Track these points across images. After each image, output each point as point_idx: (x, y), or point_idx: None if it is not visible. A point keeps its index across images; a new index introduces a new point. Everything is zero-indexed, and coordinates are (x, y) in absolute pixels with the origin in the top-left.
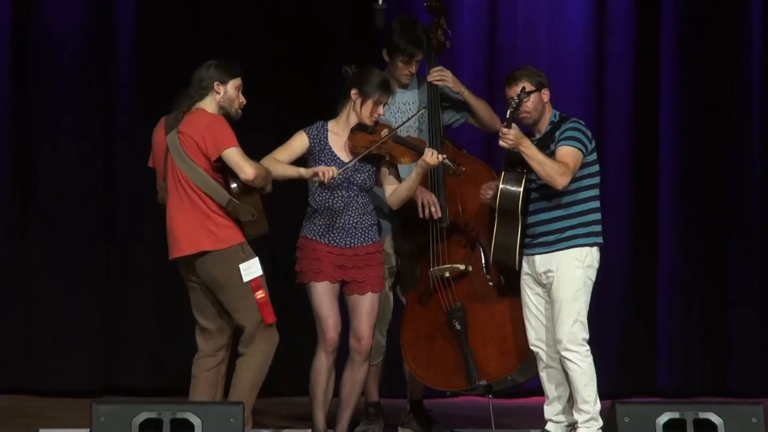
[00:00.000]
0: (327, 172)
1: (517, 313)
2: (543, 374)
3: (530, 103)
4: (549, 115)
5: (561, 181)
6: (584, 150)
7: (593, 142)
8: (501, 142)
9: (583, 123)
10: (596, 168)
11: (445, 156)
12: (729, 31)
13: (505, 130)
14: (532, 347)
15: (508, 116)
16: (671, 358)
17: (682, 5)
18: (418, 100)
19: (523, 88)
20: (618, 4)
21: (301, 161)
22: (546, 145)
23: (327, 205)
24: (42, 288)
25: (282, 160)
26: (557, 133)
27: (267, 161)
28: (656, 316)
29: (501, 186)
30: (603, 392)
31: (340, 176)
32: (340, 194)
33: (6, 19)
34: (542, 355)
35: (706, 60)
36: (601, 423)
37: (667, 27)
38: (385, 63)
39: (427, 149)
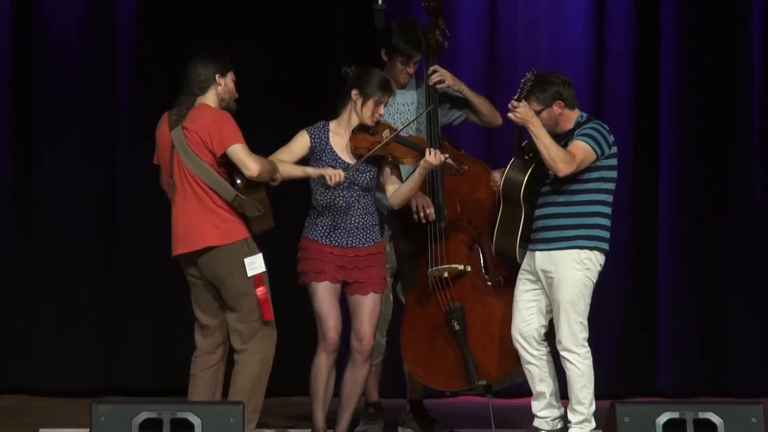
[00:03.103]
0: (334, 176)
1: None
2: (526, 370)
3: (541, 120)
4: (574, 117)
5: (563, 168)
6: (598, 150)
7: (613, 148)
8: (509, 115)
9: (606, 128)
10: (611, 174)
11: (447, 155)
12: (729, 31)
13: (515, 103)
14: (514, 343)
15: (519, 91)
16: (671, 358)
17: (682, 5)
18: (417, 100)
19: (532, 70)
20: (618, 4)
21: (303, 162)
22: (565, 142)
23: (329, 205)
24: (42, 288)
25: (285, 161)
26: (577, 131)
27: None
28: (656, 316)
29: (506, 172)
30: (603, 392)
31: (346, 179)
32: (342, 194)
33: (6, 19)
34: (522, 352)
35: (706, 60)
36: (593, 425)
37: (667, 27)
38: (383, 63)
39: (428, 149)
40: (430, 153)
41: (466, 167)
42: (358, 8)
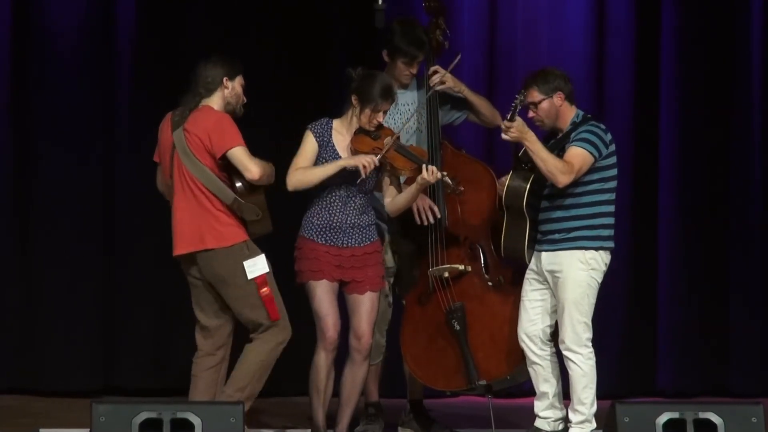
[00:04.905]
0: (369, 165)
1: (516, 313)
2: (531, 370)
3: (541, 111)
4: (571, 115)
5: (562, 179)
6: (596, 154)
7: (611, 147)
8: (503, 135)
9: (602, 127)
10: (611, 173)
11: (445, 174)
12: (729, 31)
13: (507, 123)
14: (520, 342)
15: (511, 111)
16: (671, 358)
17: (682, 5)
18: (418, 100)
19: (521, 91)
20: (618, 4)
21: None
22: (562, 145)
23: (326, 204)
24: (42, 288)
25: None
26: (573, 134)
27: (298, 173)
28: (656, 316)
29: (508, 183)
30: (603, 392)
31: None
32: (338, 194)
33: (6, 19)
34: (527, 351)
35: (706, 60)
36: (594, 425)
37: (667, 27)
38: (384, 63)
39: (425, 167)
40: (427, 170)
41: (462, 188)
42: (358, 8)
